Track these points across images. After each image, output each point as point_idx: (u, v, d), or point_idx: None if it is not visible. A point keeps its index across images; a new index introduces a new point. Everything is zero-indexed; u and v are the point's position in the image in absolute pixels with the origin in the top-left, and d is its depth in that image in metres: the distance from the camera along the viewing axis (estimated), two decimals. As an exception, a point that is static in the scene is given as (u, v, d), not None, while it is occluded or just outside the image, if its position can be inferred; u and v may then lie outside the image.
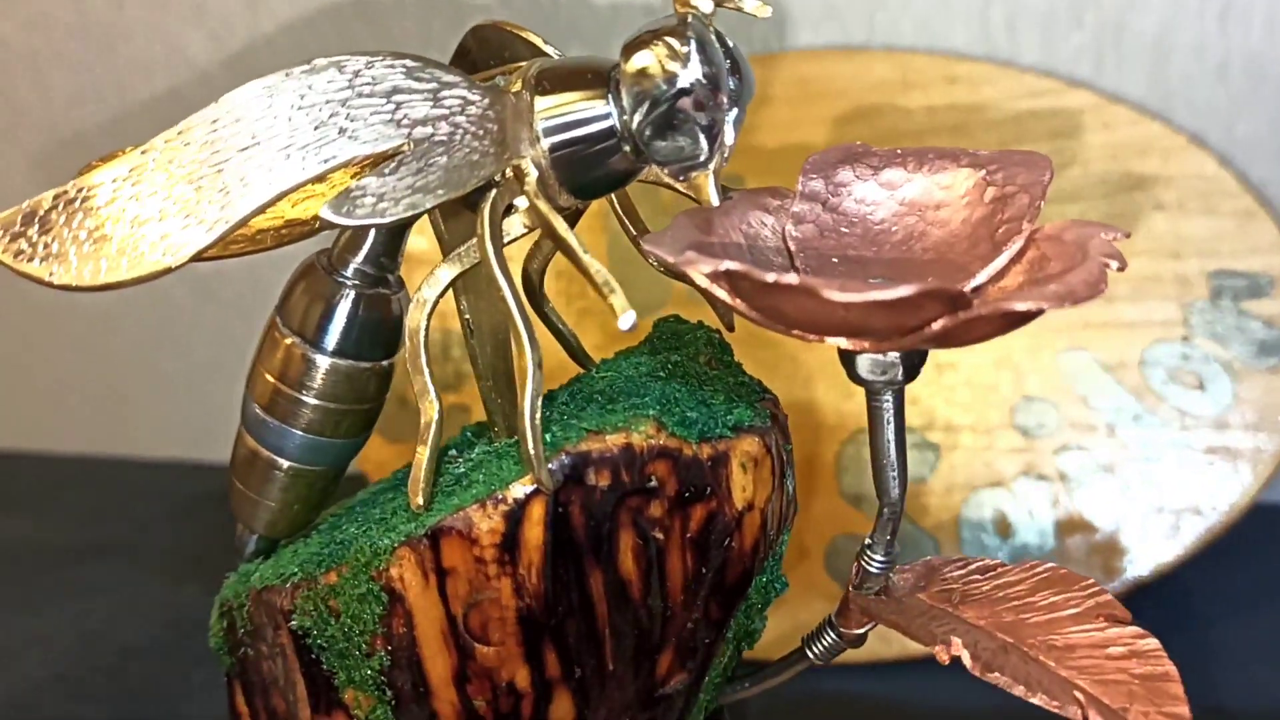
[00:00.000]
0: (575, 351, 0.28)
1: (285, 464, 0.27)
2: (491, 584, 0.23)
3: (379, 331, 0.26)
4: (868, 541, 0.25)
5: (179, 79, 0.60)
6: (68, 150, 0.62)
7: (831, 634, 0.26)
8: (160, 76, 0.59)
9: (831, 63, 0.53)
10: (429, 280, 0.23)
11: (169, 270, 0.21)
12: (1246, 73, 0.49)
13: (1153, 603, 0.43)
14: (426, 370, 0.24)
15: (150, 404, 0.66)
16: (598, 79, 0.23)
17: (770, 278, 0.19)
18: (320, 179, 0.22)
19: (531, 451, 0.22)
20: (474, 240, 0.23)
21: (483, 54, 0.27)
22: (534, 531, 0.23)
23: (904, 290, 0.18)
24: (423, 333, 0.23)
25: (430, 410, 0.23)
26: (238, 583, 0.28)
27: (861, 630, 0.26)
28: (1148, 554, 0.44)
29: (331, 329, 0.26)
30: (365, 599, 0.23)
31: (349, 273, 0.26)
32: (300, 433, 0.26)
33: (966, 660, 0.22)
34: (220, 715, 0.34)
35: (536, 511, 0.23)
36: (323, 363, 0.26)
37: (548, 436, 0.23)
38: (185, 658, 0.50)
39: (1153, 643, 0.22)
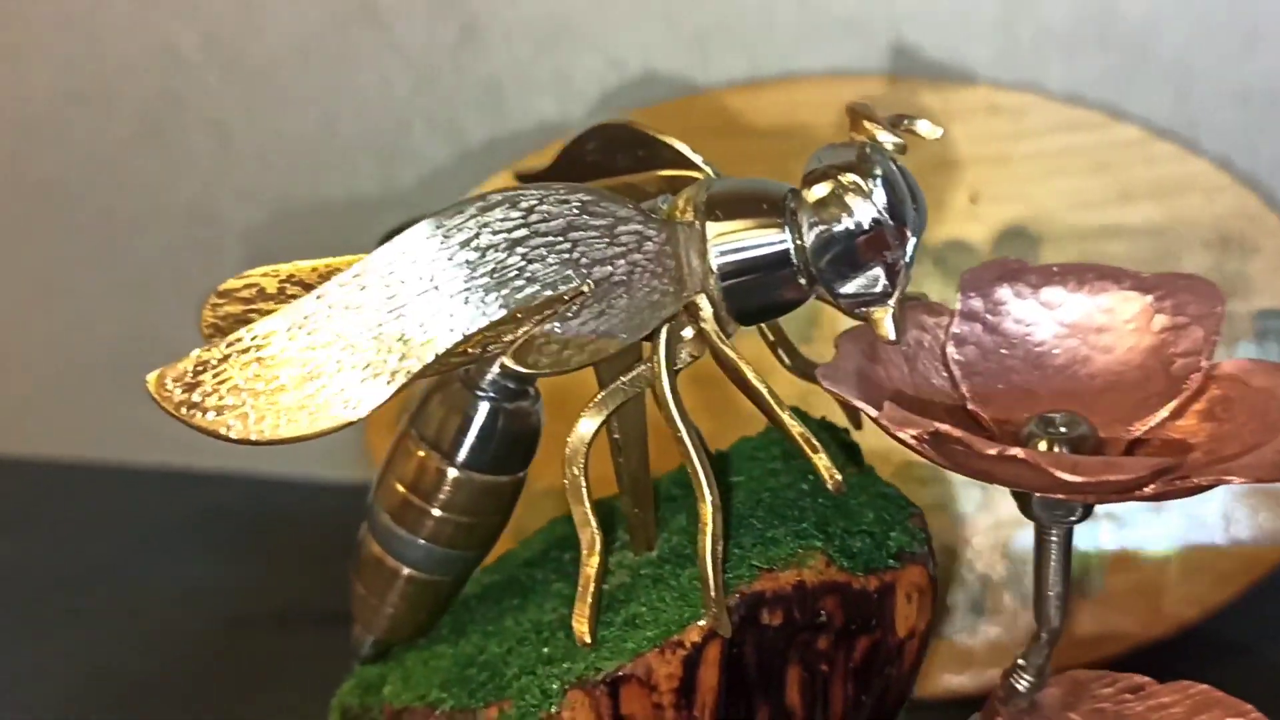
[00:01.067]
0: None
1: (408, 572, 0.26)
2: (671, 726, 0.22)
3: (516, 446, 0.26)
4: (1020, 662, 0.25)
5: (169, 78, 0.58)
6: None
7: (974, 743, 0.26)
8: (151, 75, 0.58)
9: (868, 87, 0.52)
10: (589, 412, 0.23)
11: (350, 424, 0.21)
12: (1270, 97, 0.49)
13: (1199, 644, 0.44)
14: (588, 502, 0.23)
15: (127, 407, 0.65)
16: (773, 207, 0.22)
17: (993, 450, 0.19)
18: (502, 323, 0.21)
19: (714, 598, 0.22)
20: (635, 373, 0.23)
21: (608, 154, 0.27)
22: (709, 673, 0.22)
23: (1139, 470, 0.18)
24: (583, 462, 0.23)
25: (593, 542, 0.23)
26: (361, 690, 0.27)
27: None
28: (1194, 594, 0.44)
29: (468, 443, 0.25)
30: (534, 741, 0.22)
31: (486, 385, 0.25)
32: (426, 543, 0.26)
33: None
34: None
35: (713, 654, 0.22)
36: (457, 476, 0.25)
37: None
38: (198, 697, 0.49)
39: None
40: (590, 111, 0.56)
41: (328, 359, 0.20)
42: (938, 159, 0.51)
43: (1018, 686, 0.25)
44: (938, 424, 0.19)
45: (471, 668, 0.25)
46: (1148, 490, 0.19)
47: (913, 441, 0.20)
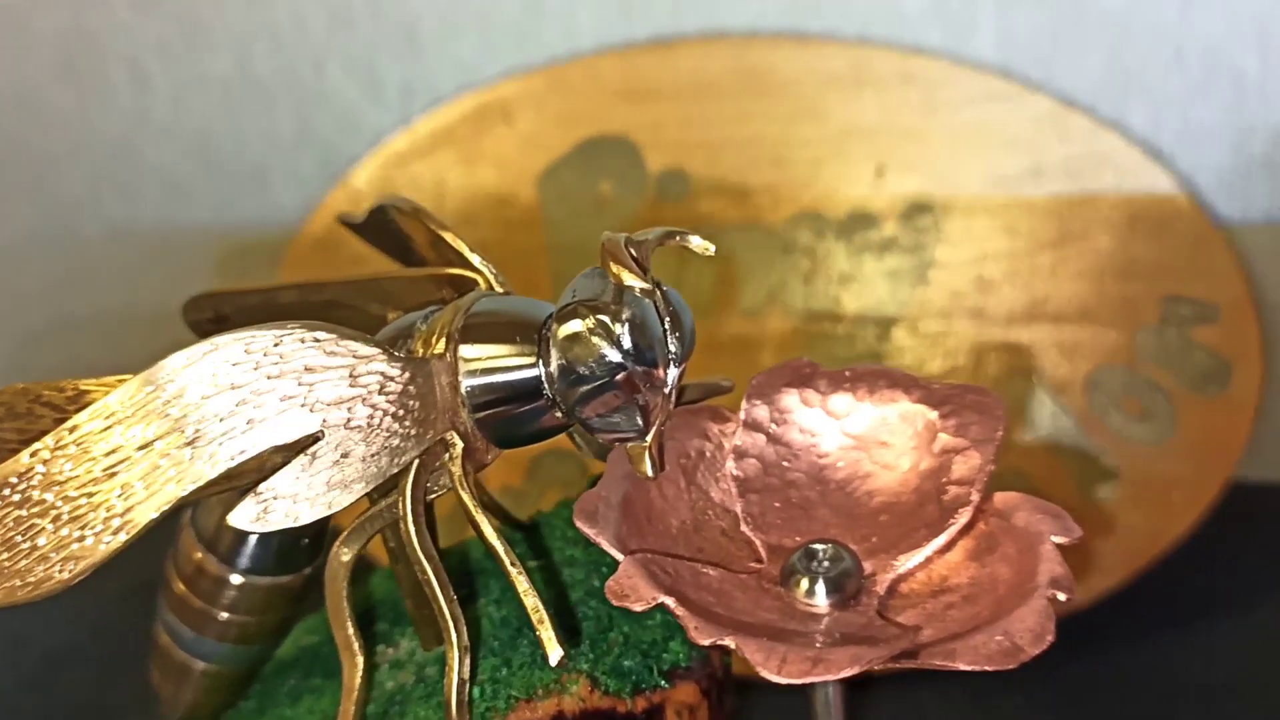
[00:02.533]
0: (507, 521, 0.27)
1: (201, 666, 0.26)
2: None
3: (297, 546, 0.25)
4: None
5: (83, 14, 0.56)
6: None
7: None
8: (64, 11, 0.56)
9: (782, 52, 0.50)
10: (348, 537, 0.22)
11: (67, 585, 0.20)
12: (1202, 61, 0.47)
13: (1081, 636, 0.44)
14: (349, 626, 0.23)
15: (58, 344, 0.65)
16: (525, 334, 0.21)
17: (706, 641, 0.18)
18: (231, 476, 0.20)
19: (456, 727, 0.21)
20: (391, 499, 0.22)
21: (407, 233, 0.25)
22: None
23: (848, 667, 0.18)
24: (344, 592, 0.22)
25: (354, 670, 0.23)
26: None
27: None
28: (1083, 583, 0.44)
29: (248, 550, 0.25)
30: None
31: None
32: (214, 641, 0.26)
33: None
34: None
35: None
36: (240, 582, 0.25)
37: (476, 691, 0.22)
38: (114, 668, 0.50)
39: None
40: (512, 63, 0.54)
41: (42, 519, 0.20)
42: (847, 128, 0.49)
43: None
44: (662, 597, 0.19)
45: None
46: (878, 667, 0.19)
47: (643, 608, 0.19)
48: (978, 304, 0.47)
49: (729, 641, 0.18)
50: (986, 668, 0.18)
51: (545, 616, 0.20)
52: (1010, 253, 0.47)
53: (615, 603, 0.19)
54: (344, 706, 0.23)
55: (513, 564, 0.21)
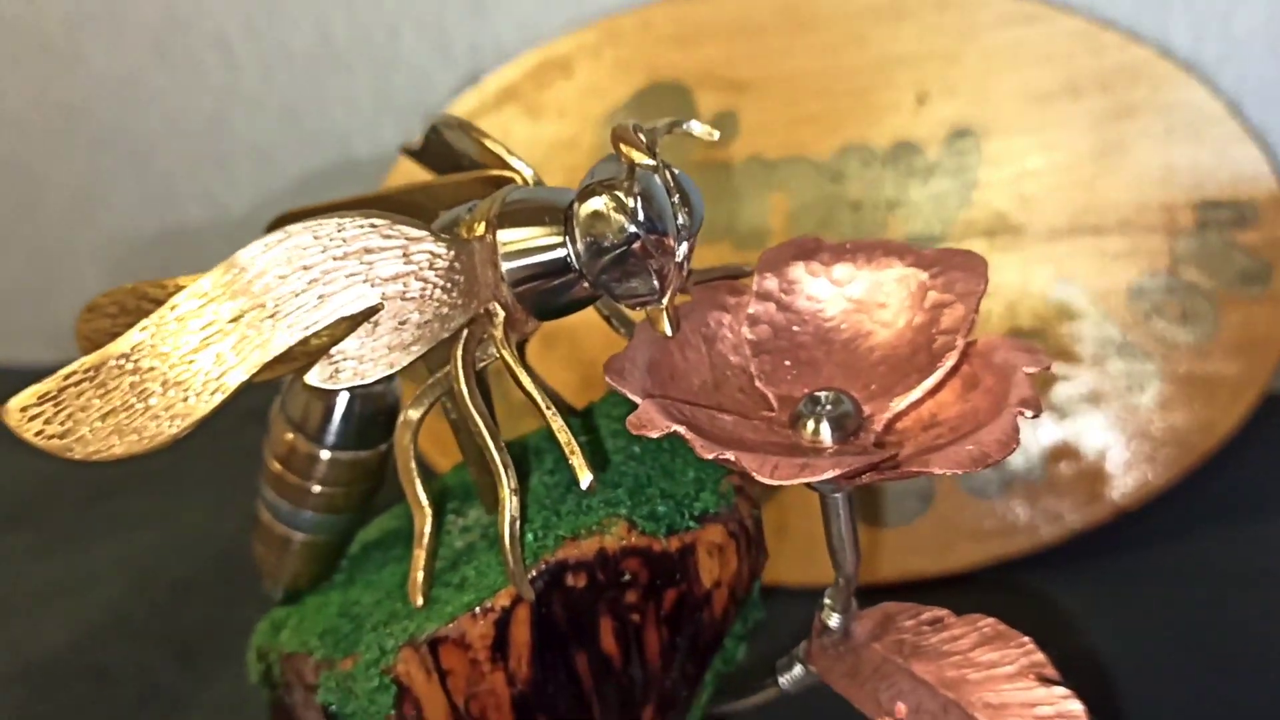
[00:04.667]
0: (561, 407, 0.30)
1: (298, 536, 0.30)
2: (486, 679, 0.25)
3: (375, 424, 0.28)
4: (827, 601, 0.27)
5: None
6: None
7: (801, 668, 0.29)
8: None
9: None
10: (414, 403, 0.26)
11: (175, 438, 0.24)
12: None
13: (1137, 528, 0.46)
14: (417, 483, 0.26)
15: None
16: (554, 216, 0.24)
17: (710, 455, 0.21)
18: (308, 351, 0.24)
19: (513, 569, 0.24)
20: (447, 369, 0.25)
21: (444, 151, 0.28)
22: (520, 631, 0.25)
23: (831, 469, 0.20)
24: (411, 450, 0.26)
25: (424, 520, 0.26)
26: (269, 633, 0.31)
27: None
28: (1131, 481, 0.46)
29: (332, 428, 0.28)
30: (378, 689, 0.26)
31: None
32: (308, 512, 0.29)
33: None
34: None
35: (522, 614, 0.25)
36: (326, 457, 0.28)
37: (530, 536, 0.26)
38: (236, 594, 0.53)
39: (1076, 706, 0.25)
40: (570, 16, 0.57)
41: (153, 383, 0.23)
42: (888, 57, 0.51)
43: (829, 623, 0.27)
44: (674, 425, 0.22)
45: (344, 618, 0.28)
46: (865, 479, 0.21)
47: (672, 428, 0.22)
48: (1020, 220, 0.49)
49: (729, 454, 0.21)
50: (957, 470, 0.20)
51: (576, 447, 0.23)
52: (1050, 169, 0.48)
53: (634, 431, 0.22)
54: (415, 552, 0.26)
55: (547, 406, 0.24)
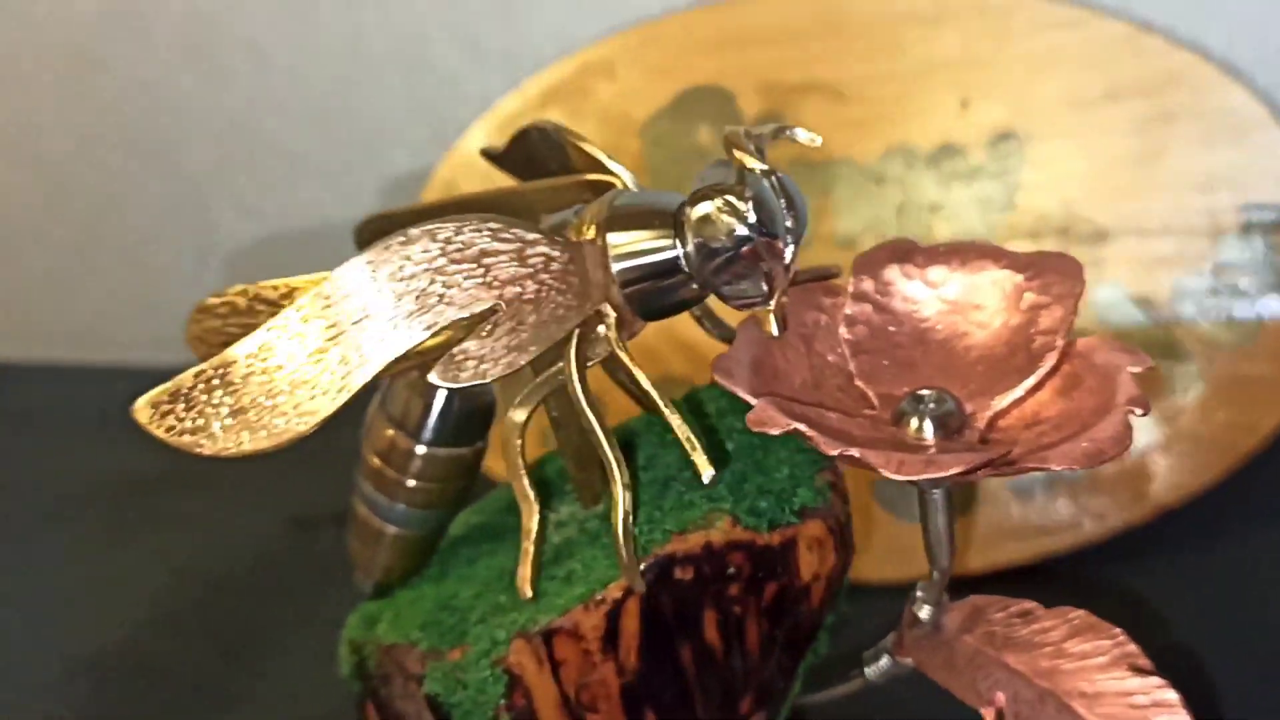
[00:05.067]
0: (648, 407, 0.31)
1: (391, 530, 0.30)
2: (597, 669, 0.26)
3: (472, 421, 0.29)
4: (920, 594, 0.28)
5: None
6: None
7: (888, 659, 0.30)
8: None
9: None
10: (520, 403, 0.26)
11: (302, 435, 0.24)
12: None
13: (1182, 529, 0.47)
14: (525, 479, 0.27)
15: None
16: (664, 220, 0.25)
17: (835, 451, 0.22)
18: (423, 352, 0.24)
19: (626, 562, 0.25)
20: (556, 368, 0.26)
21: (544, 152, 0.29)
22: (630, 623, 0.26)
23: (957, 466, 0.21)
24: (519, 448, 0.26)
25: (531, 515, 0.27)
26: (363, 625, 0.32)
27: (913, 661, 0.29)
28: (1176, 481, 0.47)
29: (430, 424, 0.29)
30: (489, 680, 0.27)
31: None
32: (404, 506, 0.30)
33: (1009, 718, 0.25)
34: (320, 651, 0.38)
35: (632, 606, 0.26)
36: (423, 452, 0.29)
37: (636, 530, 0.26)
38: (276, 592, 0.54)
39: (1172, 695, 0.26)
40: (603, 23, 0.58)
41: (281, 382, 0.24)
42: (929, 62, 0.52)
43: (920, 614, 0.28)
44: (795, 424, 0.22)
45: (445, 610, 0.29)
46: (981, 474, 0.22)
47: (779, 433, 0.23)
48: (1064, 223, 0.49)
49: (854, 451, 0.22)
50: (1074, 467, 0.21)
51: (697, 443, 0.24)
52: (1092, 172, 0.49)
53: (755, 429, 0.23)
54: (524, 546, 0.27)
55: (666, 405, 0.24)
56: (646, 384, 0.25)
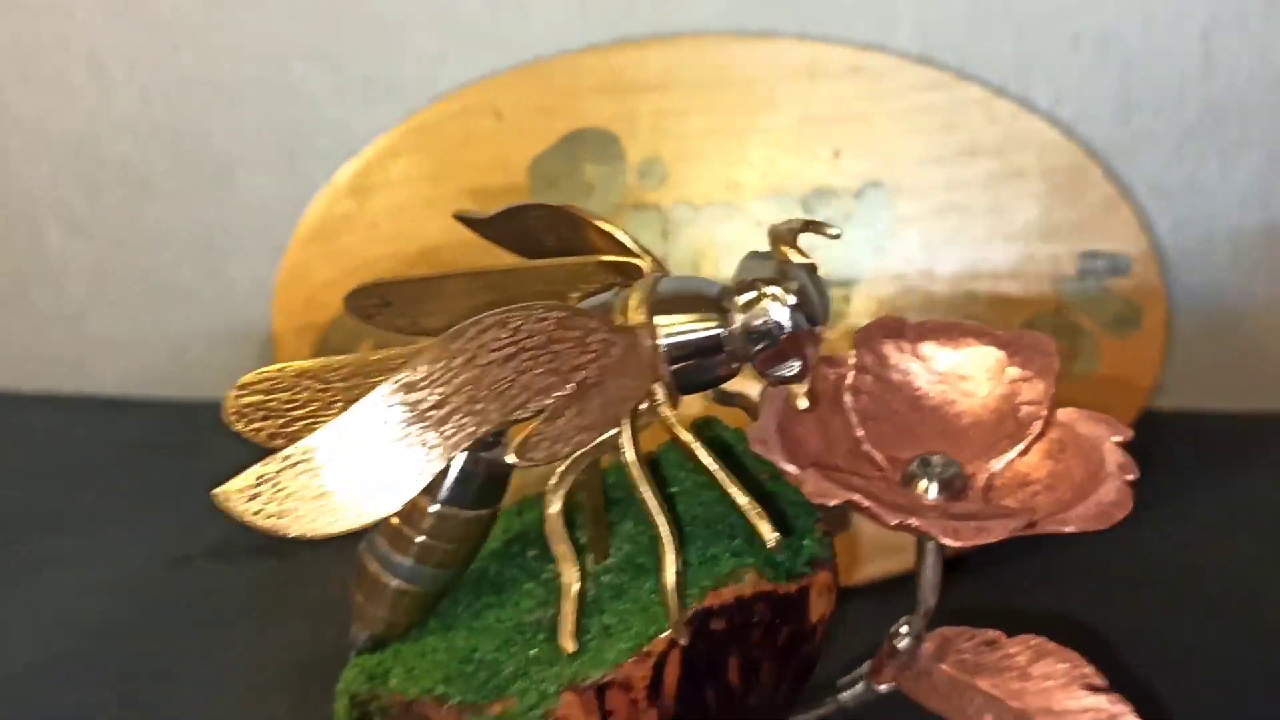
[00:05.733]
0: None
1: (396, 584, 0.31)
2: (641, 716, 0.28)
3: (492, 486, 0.31)
4: (903, 627, 0.32)
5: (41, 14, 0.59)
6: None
7: (864, 686, 0.33)
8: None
9: (742, 48, 0.56)
10: (553, 494, 0.28)
11: (386, 517, 0.26)
12: (1094, 46, 0.55)
13: (1028, 540, 0.52)
14: (567, 543, 0.29)
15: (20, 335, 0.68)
16: (708, 304, 0.28)
17: (894, 520, 0.25)
18: (499, 428, 0.26)
19: (675, 619, 0.28)
20: (593, 444, 0.28)
21: (543, 230, 0.31)
22: (672, 671, 0.28)
23: (1002, 534, 0.25)
24: (560, 521, 0.28)
25: (574, 577, 0.29)
26: (366, 678, 0.33)
27: (889, 687, 0.33)
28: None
29: (448, 485, 0.30)
30: (535, 733, 0.28)
31: None
32: (414, 562, 0.31)
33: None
34: (223, 692, 0.38)
35: (674, 657, 0.28)
36: (440, 511, 0.30)
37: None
38: (162, 633, 0.53)
39: (1124, 708, 0.30)
40: (469, 48, 0.59)
41: (367, 465, 0.25)
42: (807, 116, 0.56)
43: (899, 645, 0.32)
44: (851, 495, 0.25)
45: (468, 664, 0.31)
46: (1003, 536, 0.26)
47: (832, 503, 0.26)
48: (926, 267, 0.55)
49: (914, 521, 0.25)
50: (1089, 529, 0.25)
51: (762, 511, 0.27)
52: (952, 223, 0.55)
53: (817, 500, 0.26)
54: (565, 608, 0.29)
55: (729, 477, 0.27)
56: (705, 456, 0.27)
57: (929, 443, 0.29)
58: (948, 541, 0.25)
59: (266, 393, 0.28)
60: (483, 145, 0.58)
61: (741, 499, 0.27)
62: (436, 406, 0.26)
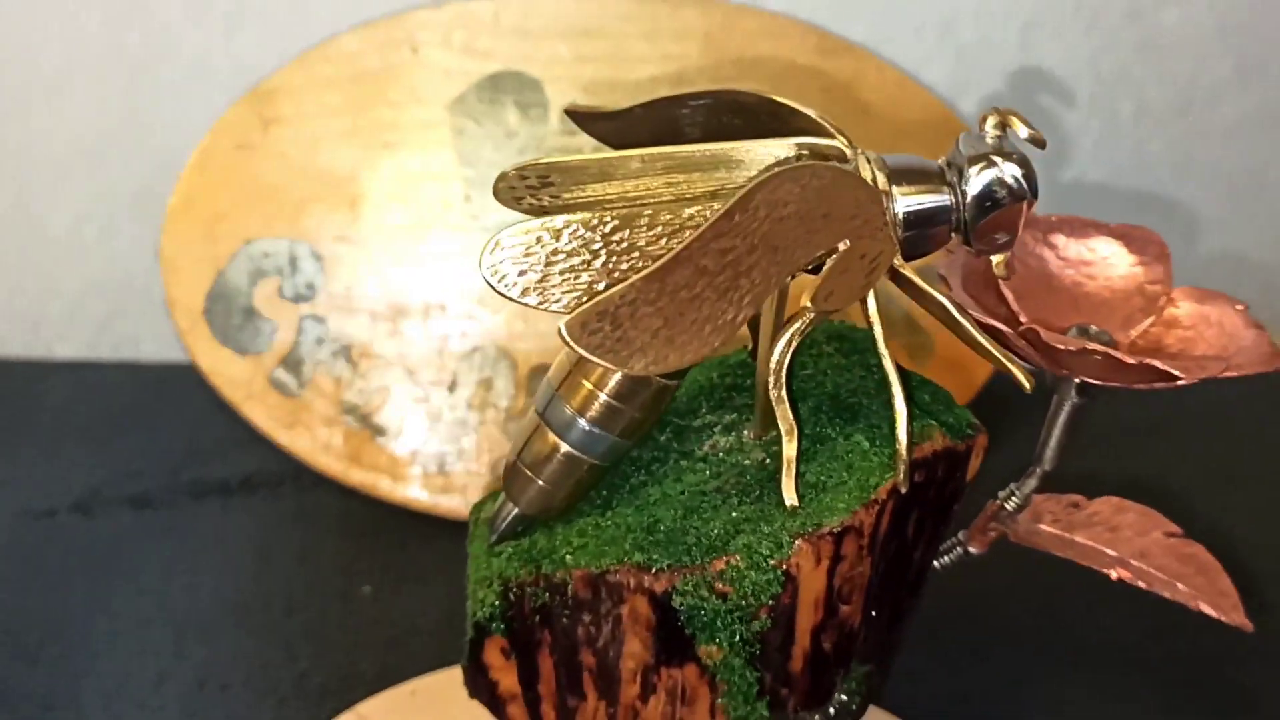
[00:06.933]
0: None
1: (567, 450, 0.32)
2: (862, 563, 0.31)
3: None
4: (1012, 488, 0.35)
5: None
6: None
7: (961, 550, 0.37)
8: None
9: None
10: (791, 337, 0.30)
11: (716, 351, 0.27)
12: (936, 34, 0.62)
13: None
14: (787, 401, 0.30)
15: None
16: (937, 178, 0.30)
17: (1134, 360, 0.29)
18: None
19: (904, 466, 0.30)
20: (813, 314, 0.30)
21: (717, 115, 0.32)
22: (885, 521, 0.31)
23: (1215, 370, 0.29)
24: (784, 379, 0.30)
25: (794, 435, 0.30)
26: (519, 561, 0.33)
27: (984, 551, 0.37)
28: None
29: None
30: (767, 583, 0.30)
31: None
32: (593, 427, 0.31)
33: (1129, 577, 0.34)
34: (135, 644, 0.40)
35: (889, 506, 0.31)
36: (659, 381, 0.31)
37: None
38: (46, 587, 0.51)
39: (1195, 545, 0.35)
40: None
41: (695, 302, 0.26)
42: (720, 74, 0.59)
43: (1008, 506, 0.36)
44: (1087, 344, 0.29)
45: (655, 534, 0.31)
46: (1167, 385, 0.30)
47: (1061, 347, 0.29)
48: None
49: (1156, 362, 0.29)
50: (1263, 369, 0.30)
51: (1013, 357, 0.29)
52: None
53: (1044, 340, 0.29)
54: (786, 460, 0.30)
55: (969, 321, 0.30)
56: (951, 306, 0.30)
57: (1071, 318, 0.33)
58: (1179, 375, 0.29)
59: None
60: (400, 79, 0.57)
61: (988, 345, 0.30)
62: (748, 253, 0.27)
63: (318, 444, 0.56)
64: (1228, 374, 0.30)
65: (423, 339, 0.57)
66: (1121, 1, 0.62)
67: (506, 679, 0.34)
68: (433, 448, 0.56)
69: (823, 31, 0.59)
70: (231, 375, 0.56)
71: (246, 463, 0.57)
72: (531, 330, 0.57)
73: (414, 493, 0.56)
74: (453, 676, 0.43)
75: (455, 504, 0.55)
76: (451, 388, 0.56)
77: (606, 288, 0.27)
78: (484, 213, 0.57)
